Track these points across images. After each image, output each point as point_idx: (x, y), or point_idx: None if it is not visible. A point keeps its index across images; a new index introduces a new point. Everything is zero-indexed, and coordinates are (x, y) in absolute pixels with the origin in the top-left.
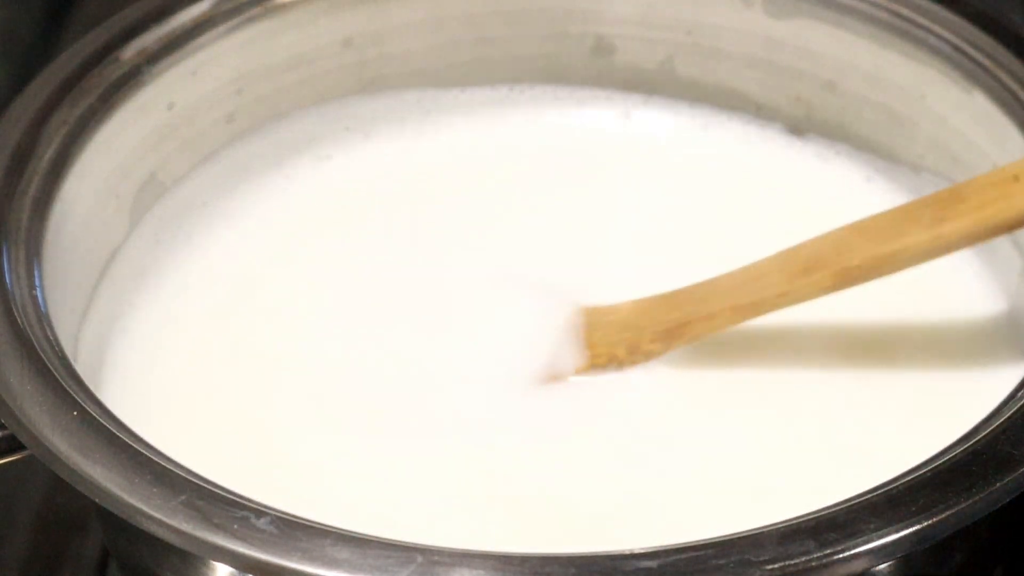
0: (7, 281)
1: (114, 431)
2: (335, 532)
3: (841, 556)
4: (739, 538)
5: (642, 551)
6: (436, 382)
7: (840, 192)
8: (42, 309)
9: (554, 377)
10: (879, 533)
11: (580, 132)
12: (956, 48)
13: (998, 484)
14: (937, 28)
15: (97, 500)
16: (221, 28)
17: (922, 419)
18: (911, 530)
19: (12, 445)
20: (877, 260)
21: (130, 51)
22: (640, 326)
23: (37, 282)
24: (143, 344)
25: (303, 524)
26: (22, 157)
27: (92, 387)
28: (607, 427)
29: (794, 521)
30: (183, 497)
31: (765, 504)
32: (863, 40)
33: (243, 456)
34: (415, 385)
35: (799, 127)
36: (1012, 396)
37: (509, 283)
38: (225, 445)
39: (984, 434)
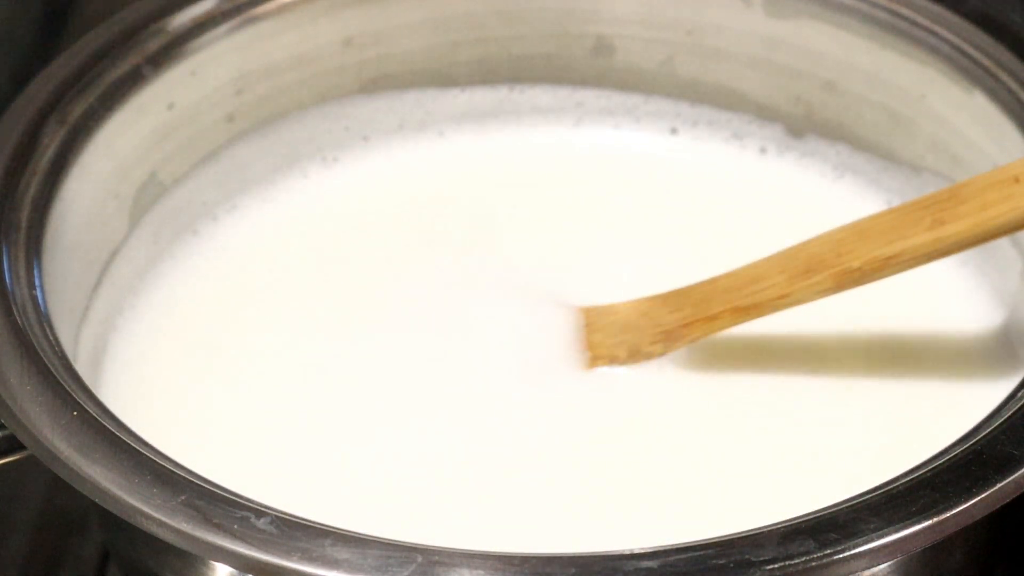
0: (7, 281)
1: (114, 431)
2: (335, 532)
3: (841, 556)
4: (739, 538)
5: (642, 551)
6: (435, 383)
7: (840, 192)
8: (42, 309)
9: (554, 378)
10: (879, 533)
11: (580, 132)
12: (956, 48)
13: (998, 484)
14: (937, 28)
15: (97, 500)
16: (221, 28)
17: (922, 420)
18: (911, 530)
19: (12, 445)
20: (878, 262)
21: (130, 51)
22: (640, 327)
23: (37, 282)
24: (143, 344)
25: (303, 524)
26: (22, 157)
27: (92, 387)
28: (607, 428)
29: (794, 521)
30: (183, 497)
31: (765, 504)
32: (863, 40)
33: (243, 456)
34: (414, 386)
35: (799, 127)
36: (1012, 396)
37: (509, 284)
38: (225, 445)
39: (984, 434)
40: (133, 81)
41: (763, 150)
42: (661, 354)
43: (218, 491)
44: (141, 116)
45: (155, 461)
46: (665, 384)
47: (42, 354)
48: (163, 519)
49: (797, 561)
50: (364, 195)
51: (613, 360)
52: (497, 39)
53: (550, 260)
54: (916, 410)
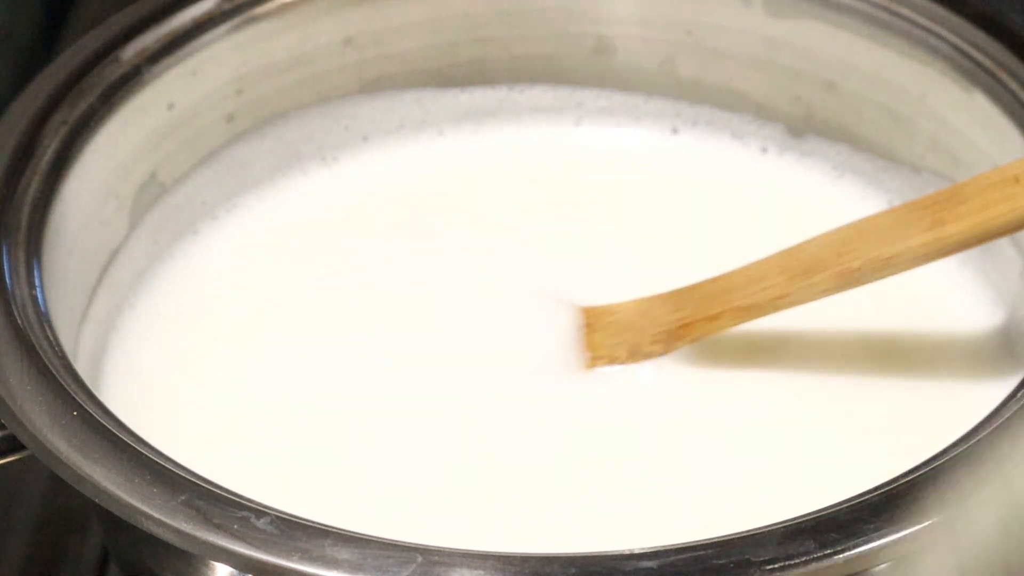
0: (7, 281)
1: (114, 431)
2: (335, 532)
3: (841, 556)
4: (739, 538)
5: (642, 551)
6: (435, 383)
7: (840, 192)
8: (42, 309)
9: (554, 378)
10: (879, 533)
11: (580, 132)
12: (956, 48)
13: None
14: (937, 28)
15: (97, 500)
16: (221, 28)
17: (922, 420)
18: (911, 530)
19: (12, 445)
20: (878, 262)
21: (130, 51)
22: (641, 327)
23: (37, 282)
24: (143, 344)
25: (303, 524)
26: (22, 157)
27: (92, 387)
28: (607, 428)
29: (794, 521)
30: (183, 497)
31: (765, 504)
32: (863, 40)
33: (243, 456)
34: (413, 386)
35: (799, 127)
36: (1012, 396)
37: (508, 283)
38: (225, 445)
39: (984, 434)
40: (133, 81)
41: (763, 150)
42: (661, 354)
43: (218, 491)
44: (141, 116)
45: (155, 461)
46: (665, 384)
47: (42, 354)
48: (163, 519)
49: (797, 561)
50: (364, 195)
51: (613, 360)
52: (497, 39)
53: (550, 260)
54: (916, 410)
